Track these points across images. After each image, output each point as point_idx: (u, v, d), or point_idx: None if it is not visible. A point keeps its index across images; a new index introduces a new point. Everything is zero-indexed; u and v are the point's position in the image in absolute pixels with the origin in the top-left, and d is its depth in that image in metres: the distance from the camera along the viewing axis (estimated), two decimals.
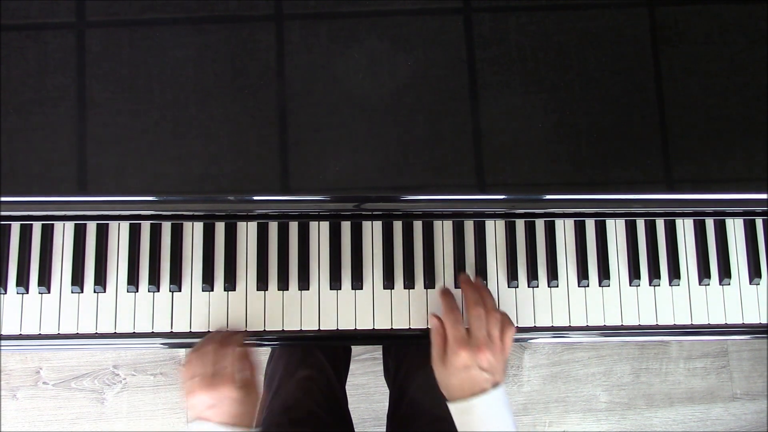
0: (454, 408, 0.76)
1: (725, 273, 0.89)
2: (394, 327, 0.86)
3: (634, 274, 0.88)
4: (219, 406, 0.75)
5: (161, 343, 0.86)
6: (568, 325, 0.88)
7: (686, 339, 0.94)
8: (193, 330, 0.85)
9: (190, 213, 0.84)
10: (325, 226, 0.87)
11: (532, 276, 0.87)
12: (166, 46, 0.72)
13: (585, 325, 0.88)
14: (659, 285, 0.89)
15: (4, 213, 0.76)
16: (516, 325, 0.87)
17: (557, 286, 0.88)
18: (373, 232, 0.87)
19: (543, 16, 0.74)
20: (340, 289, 0.86)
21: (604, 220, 0.89)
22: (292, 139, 0.71)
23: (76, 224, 0.86)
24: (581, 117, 0.72)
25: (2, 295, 0.85)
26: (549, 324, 0.88)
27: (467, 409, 0.74)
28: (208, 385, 0.75)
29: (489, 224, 0.88)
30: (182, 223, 0.87)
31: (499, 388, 0.76)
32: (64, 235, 0.86)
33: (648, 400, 1.61)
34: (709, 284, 0.89)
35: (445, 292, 0.84)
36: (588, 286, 0.88)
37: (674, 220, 0.90)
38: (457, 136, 0.71)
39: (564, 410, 1.60)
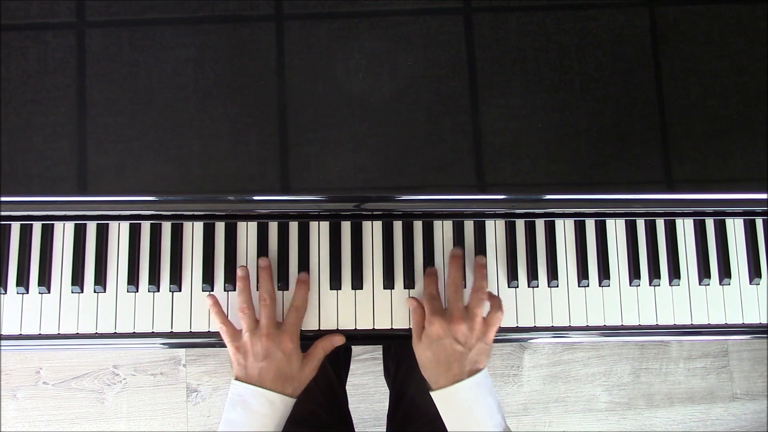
0: (436, 396, 0.77)
1: (725, 273, 0.89)
2: (394, 327, 0.86)
3: (634, 274, 0.88)
4: (271, 359, 0.77)
5: (161, 343, 0.86)
6: (568, 325, 0.88)
7: (686, 339, 0.94)
8: (193, 330, 0.85)
9: (190, 213, 0.84)
10: (325, 226, 0.87)
11: (532, 276, 0.87)
12: (166, 46, 0.72)
13: (585, 325, 0.88)
14: (659, 285, 0.89)
15: (4, 213, 0.76)
16: (516, 325, 0.87)
17: (557, 286, 0.88)
18: (373, 232, 0.87)
19: (543, 16, 0.74)
20: (340, 289, 0.86)
21: (604, 220, 0.89)
22: (292, 139, 0.71)
23: (76, 224, 0.86)
24: (581, 117, 0.72)
25: (2, 295, 0.85)
26: (549, 324, 0.88)
27: (449, 395, 0.75)
28: (268, 335, 0.78)
29: (489, 224, 0.88)
30: (182, 223, 0.86)
31: (481, 373, 0.76)
32: (64, 235, 0.86)
33: (648, 400, 1.61)
34: (709, 284, 0.89)
35: (430, 273, 0.85)
36: (588, 286, 0.88)
37: (674, 220, 0.89)
38: (457, 136, 0.71)
39: (564, 410, 1.60)
